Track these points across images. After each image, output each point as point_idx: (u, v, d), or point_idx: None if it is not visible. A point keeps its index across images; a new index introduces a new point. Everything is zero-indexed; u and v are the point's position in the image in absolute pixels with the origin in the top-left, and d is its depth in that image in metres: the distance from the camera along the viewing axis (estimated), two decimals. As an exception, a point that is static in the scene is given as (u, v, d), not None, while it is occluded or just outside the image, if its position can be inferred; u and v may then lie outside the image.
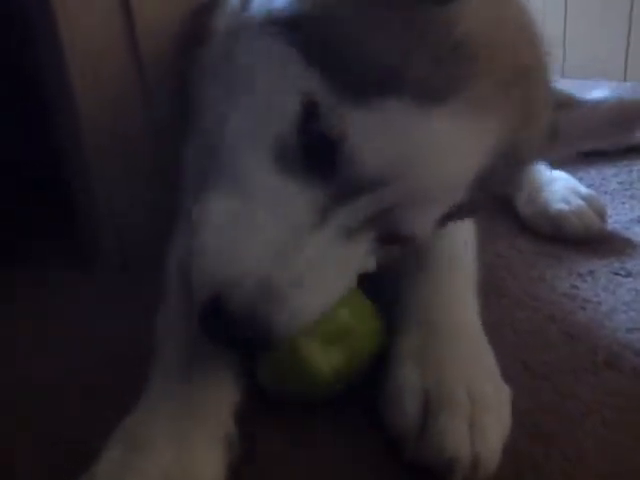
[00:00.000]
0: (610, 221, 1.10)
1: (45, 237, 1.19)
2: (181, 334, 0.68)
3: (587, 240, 1.04)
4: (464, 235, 0.83)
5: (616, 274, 0.94)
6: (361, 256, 0.61)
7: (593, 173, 1.35)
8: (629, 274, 0.94)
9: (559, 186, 1.13)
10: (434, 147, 0.55)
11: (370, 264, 0.65)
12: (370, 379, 0.67)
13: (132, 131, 1.01)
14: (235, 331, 0.55)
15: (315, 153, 0.56)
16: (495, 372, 0.65)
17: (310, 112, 0.56)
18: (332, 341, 0.65)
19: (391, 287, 0.75)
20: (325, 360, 0.64)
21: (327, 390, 0.66)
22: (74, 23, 0.91)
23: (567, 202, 1.08)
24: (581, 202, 1.08)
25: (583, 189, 1.12)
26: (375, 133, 0.54)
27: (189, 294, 0.59)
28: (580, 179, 1.21)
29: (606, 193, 1.25)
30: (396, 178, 0.55)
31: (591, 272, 0.95)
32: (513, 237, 1.09)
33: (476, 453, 0.56)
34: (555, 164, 1.22)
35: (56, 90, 1.02)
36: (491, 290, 0.89)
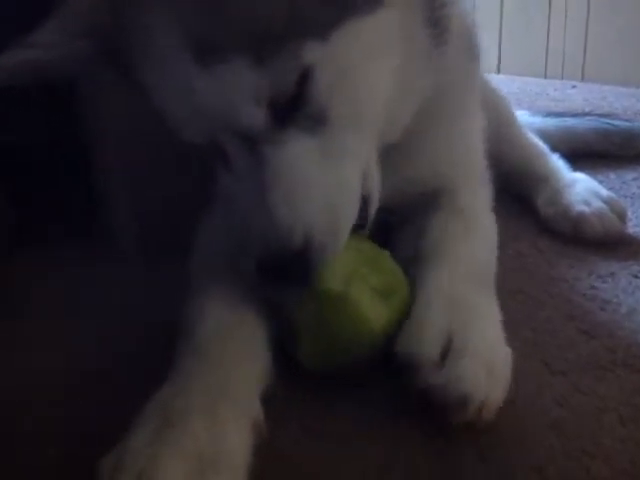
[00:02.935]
0: (630, 224, 1.10)
1: (62, 218, 1.20)
2: (211, 319, 0.69)
3: (607, 242, 1.05)
4: (489, 233, 0.84)
5: (636, 277, 0.95)
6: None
7: (613, 177, 1.35)
8: (648, 277, 0.95)
9: (580, 188, 1.14)
10: None
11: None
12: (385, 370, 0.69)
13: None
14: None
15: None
16: (502, 333, 0.69)
17: None
18: (380, 296, 0.68)
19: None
20: (374, 311, 0.67)
21: (371, 347, 0.68)
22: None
23: (588, 204, 1.08)
24: (602, 204, 1.08)
25: (604, 191, 1.13)
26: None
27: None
28: (600, 183, 1.21)
29: (626, 197, 1.24)
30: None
31: (611, 274, 0.96)
32: (534, 237, 1.09)
33: (486, 398, 0.60)
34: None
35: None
36: (511, 289, 0.90)
